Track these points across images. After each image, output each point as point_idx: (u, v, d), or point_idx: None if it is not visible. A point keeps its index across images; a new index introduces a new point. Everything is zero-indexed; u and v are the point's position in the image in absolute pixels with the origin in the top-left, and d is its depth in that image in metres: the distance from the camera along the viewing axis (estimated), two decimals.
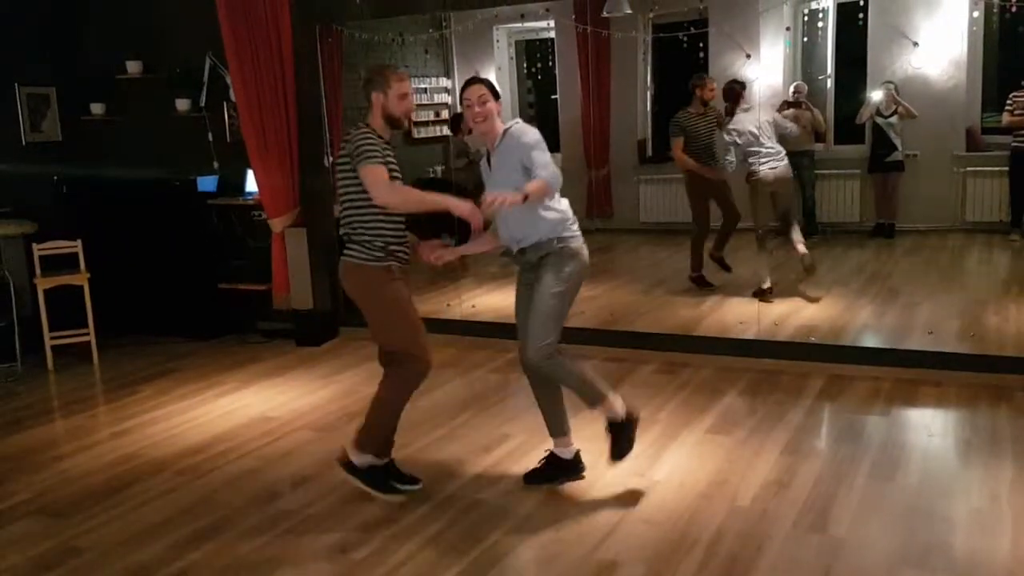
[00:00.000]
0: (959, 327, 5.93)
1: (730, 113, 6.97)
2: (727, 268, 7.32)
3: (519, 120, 3.81)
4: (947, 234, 8.22)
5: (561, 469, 3.97)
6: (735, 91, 6.93)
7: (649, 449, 4.33)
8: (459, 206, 3.70)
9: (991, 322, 6.02)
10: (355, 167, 3.70)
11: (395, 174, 3.77)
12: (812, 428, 4.54)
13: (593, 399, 3.85)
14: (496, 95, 3.77)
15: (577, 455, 3.99)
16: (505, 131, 3.75)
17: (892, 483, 3.84)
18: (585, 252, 3.83)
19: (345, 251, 3.85)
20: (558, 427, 3.95)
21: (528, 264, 3.82)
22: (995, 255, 7.93)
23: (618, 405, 3.85)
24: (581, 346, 3.81)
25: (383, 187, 3.67)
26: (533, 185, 3.51)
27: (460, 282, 7.55)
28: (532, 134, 3.70)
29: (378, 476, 3.93)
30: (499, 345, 6.10)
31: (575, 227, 3.81)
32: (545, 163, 3.60)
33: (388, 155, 3.76)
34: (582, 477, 3.97)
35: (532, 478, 4.02)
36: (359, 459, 3.89)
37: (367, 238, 3.76)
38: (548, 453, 4.02)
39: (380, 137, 3.77)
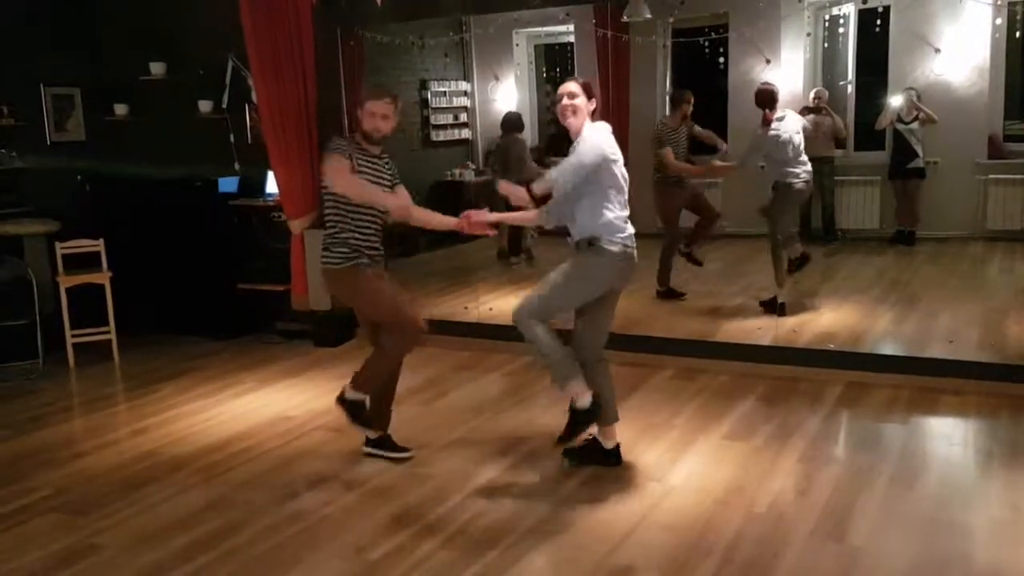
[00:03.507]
0: (980, 335, 5.88)
1: (767, 121, 6.46)
2: (699, 263, 7.24)
3: (600, 128, 3.98)
4: (968, 242, 8.15)
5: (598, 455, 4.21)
6: (773, 95, 6.47)
7: (666, 454, 4.32)
8: (444, 222, 4.21)
9: (1012, 331, 5.96)
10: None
11: (373, 179, 4.12)
12: (830, 435, 4.52)
13: (561, 378, 4.02)
14: (589, 94, 3.97)
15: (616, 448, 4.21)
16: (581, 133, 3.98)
17: (911, 492, 3.82)
18: (617, 259, 3.96)
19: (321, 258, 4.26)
20: (605, 415, 4.14)
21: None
22: (1017, 263, 7.86)
23: (581, 393, 4.00)
24: None
25: (340, 176, 4.02)
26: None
27: (477, 285, 7.56)
28: (586, 145, 3.90)
29: (359, 409, 4.28)
30: (516, 348, 6.08)
31: (620, 236, 3.95)
32: (562, 169, 3.90)
33: (360, 160, 4.10)
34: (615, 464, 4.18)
35: (569, 453, 4.25)
36: (351, 394, 4.26)
37: (336, 242, 4.17)
38: (591, 437, 4.22)
39: (358, 146, 4.16)
